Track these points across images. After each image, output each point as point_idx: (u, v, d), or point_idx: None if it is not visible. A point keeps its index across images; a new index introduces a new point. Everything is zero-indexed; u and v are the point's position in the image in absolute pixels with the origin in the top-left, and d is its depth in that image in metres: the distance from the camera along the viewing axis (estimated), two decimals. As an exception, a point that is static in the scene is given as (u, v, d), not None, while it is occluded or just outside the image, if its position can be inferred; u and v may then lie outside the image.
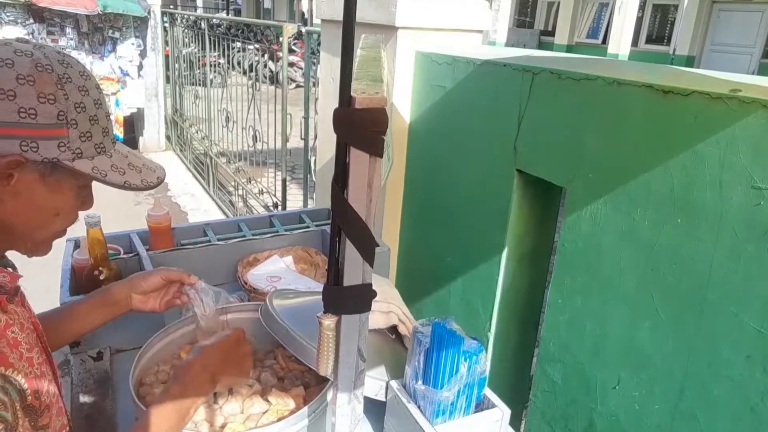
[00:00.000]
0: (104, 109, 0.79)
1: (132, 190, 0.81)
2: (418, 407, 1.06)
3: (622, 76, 1.20)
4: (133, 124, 6.96)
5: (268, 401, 1.05)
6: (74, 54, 5.97)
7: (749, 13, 14.77)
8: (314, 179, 2.92)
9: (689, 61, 15.69)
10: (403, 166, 2.04)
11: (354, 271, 0.77)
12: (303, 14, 22.92)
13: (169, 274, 1.12)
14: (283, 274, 1.58)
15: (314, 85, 3.08)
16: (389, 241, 2.05)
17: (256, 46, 4.21)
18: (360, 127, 0.69)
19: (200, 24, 5.25)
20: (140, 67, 6.42)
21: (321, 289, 0.81)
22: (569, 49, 17.95)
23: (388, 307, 1.26)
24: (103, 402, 1.19)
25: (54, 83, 0.71)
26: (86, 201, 0.83)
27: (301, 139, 3.23)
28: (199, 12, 15.67)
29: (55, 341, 1.03)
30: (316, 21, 2.47)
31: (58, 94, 0.72)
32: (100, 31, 6.08)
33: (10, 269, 0.81)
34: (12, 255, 0.82)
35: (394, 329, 1.29)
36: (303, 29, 3.26)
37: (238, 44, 4.68)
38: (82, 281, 1.37)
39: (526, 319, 1.75)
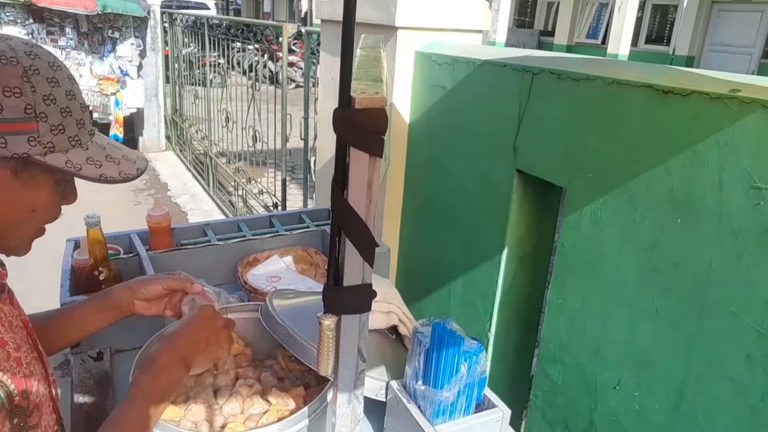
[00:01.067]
0: (78, 100, 0.76)
1: (109, 182, 0.78)
2: (418, 407, 1.06)
3: (622, 76, 1.20)
4: (132, 125, 6.96)
5: (268, 401, 1.04)
6: (74, 54, 5.98)
7: (749, 13, 14.78)
8: (314, 179, 2.92)
9: (689, 61, 15.70)
10: (403, 166, 2.04)
11: (354, 271, 0.77)
12: (303, 14, 22.91)
13: (170, 283, 1.09)
14: (283, 274, 1.58)
15: (314, 85, 3.08)
16: (389, 241, 2.04)
17: (256, 46, 4.21)
18: (360, 127, 0.69)
19: (200, 24, 5.25)
20: (140, 67, 6.42)
21: (321, 289, 0.81)
22: (569, 49, 17.96)
23: (388, 307, 1.26)
24: (103, 402, 1.19)
25: (20, 76, 0.69)
26: (67, 195, 0.81)
27: (301, 139, 3.23)
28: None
29: (55, 344, 1.02)
30: (316, 21, 2.47)
31: (24, 87, 0.69)
32: (100, 31, 6.08)
33: None
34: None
35: (394, 329, 1.29)
36: (303, 29, 3.26)
37: (238, 44, 4.69)
38: (81, 281, 1.37)
39: (526, 319, 1.75)
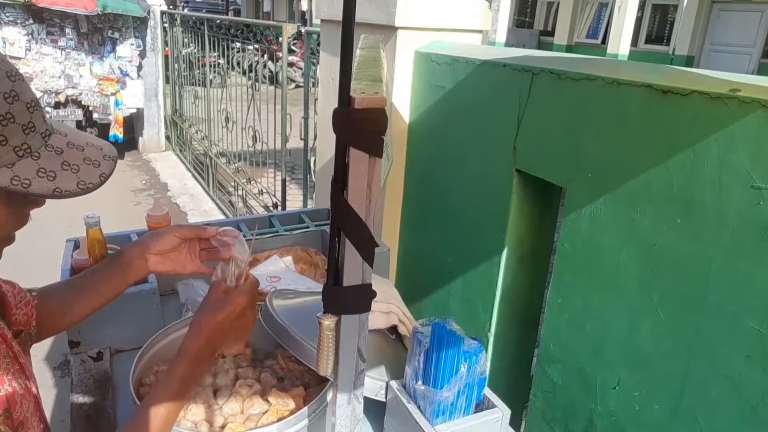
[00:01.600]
0: (23, 99, 0.66)
1: (65, 197, 0.68)
2: (418, 407, 1.06)
3: (622, 76, 1.20)
4: (132, 125, 6.96)
5: (268, 401, 1.05)
6: (74, 54, 5.98)
7: (749, 13, 14.78)
8: (314, 179, 2.92)
9: (689, 61, 15.70)
10: (402, 166, 2.04)
11: (354, 271, 0.77)
12: (303, 14, 22.91)
13: (182, 231, 1.01)
14: (282, 274, 1.58)
15: (314, 85, 3.08)
16: (389, 241, 2.04)
17: (256, 46, 4.21)
18: (359, 127, 0.69)
19: (200, 24, 5.25)
20: (140, 67, 6.42)
21: (321, 289, 0.81)
22: (569, 49, 17.96)
23: (388, 307, 1.26)
24: (103, 402, 1.19)
25: None
26: (34, 201, 0.73)
27: (301, 139, 3.23)
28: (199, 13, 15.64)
29: (69, 320, 0.99)
30: (316, 21, 2.47)
31: None
32: (100, 31, 6.08)
33: None
34: (11, 253, 0.79)
35: (394, 329, 1.29)
36: (302, 29, 3.26)
37: (238, 44, 4.69)
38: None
39: (526, 319, 1.75)
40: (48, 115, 0.73)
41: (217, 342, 0.86)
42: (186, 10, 11.53)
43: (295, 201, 4.24)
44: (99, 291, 1.00)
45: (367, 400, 0.99)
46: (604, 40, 17.13)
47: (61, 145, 0.71)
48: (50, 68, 5.85)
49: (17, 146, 0.65)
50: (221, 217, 4.82)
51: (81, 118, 6.24)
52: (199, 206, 5.24)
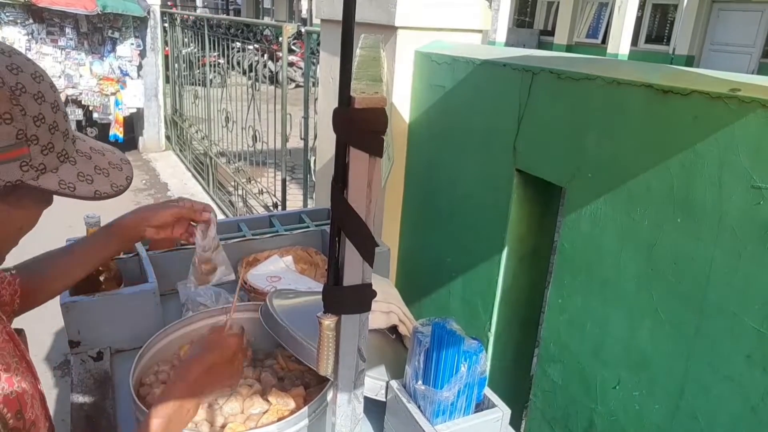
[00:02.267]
0: (62, 109, 0.72)
1: (102, 198, 0.74)
2: (418, 407, 1.06)
3: (622, 76, 1.20)
4: (132, 125, 6.96)
5: (268, 401, 1.05)
6: (74, 54, 5.98)
7: (749, 13, 14.77)
8: (314, 179, 2.92)
9: (689, 61, 15.70)
10: (403, 166, 2.04)
11: (354, 271, 0.77)
12: (302, 13, 22.91)
13: (180, 211, 1.11)
14: (283, 274, 1.58)
15: (314, 85, 3.07)
16: (389, 241, 2.04)
17: (256, 46, 4.21)
18: (359, 127, 0.69)
19: (200, 24, 5.25)
20: (140, 67, 6.42)
21: (321, 289, 0.81)
22: (569, 48, 17.96)
23: (388, 307, 1.26)
24: (103, 402, 1.19)
25: (8, 99, 0.64)
26: (44, 201, 0.76)
27: (301, 139, 3.23)
28: (199, 12, 15.67)
29: (51, 293, 1.03)
30: (316, 21, 2.47)
31: (14, 111, 0.64)
32: (100, 31, 6.08)
33: None
34: (14, 253, 0.80)
35: (394, 329, 1.29)
36: (303, 29, 3.26)
37: (238, 44, 4.68)
38: (81, 281, 1.36)
39: (526, 319, 1.75)
40: None
41: (203, 385, 0.86)
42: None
43: (295, 201, 4.24)
44: (85, 262, 1.07)
45: (367, 399, 0.99)
46: (604, 40, 17.12)
47: (87, 149, 0.76)
48: (50, 68, 5.85)
49: (60, 152, 0.71)
50: (221, 216, 4.82)
51: (81, 117, 6.24)
52: (199, 206, 5.24)
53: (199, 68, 5.55)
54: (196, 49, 5.61)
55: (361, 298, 0.80)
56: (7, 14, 5.63)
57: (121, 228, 1.09)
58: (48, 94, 0.69)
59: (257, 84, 4.12)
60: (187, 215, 1.12)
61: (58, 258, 1.06)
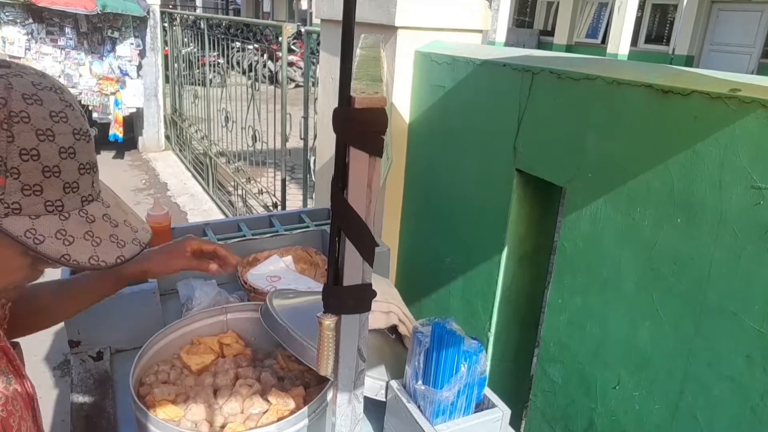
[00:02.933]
0: (78, 159, 0.64)
1: (70, 266, 0.65)
2: (418, 407, 1.06)
3: (622, 76, 1.20)
4: (132, 124, 6.96)
5: (268, 401, 1.05)
6: (73, 54, 5.98)
7: (749, 13, 14.78)
8: (314, 179, 2.92)
9: (688, 61, 15.70)
10: (403, 166, 2.04)
11: (354, 271, 0.77)
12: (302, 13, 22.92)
13: (188, 264, 1.07)
14: (282, 274, 1.58)
15: (314, 84, 3.07)
16: (389, 241, 2.04)
17: (256, 45, 4.21)
18: (359, 127, 0.69)
19: (199, 24, 5.25)
20: (139, 66, 6.41)
21: (321, 289, 0.81)
22: (569, 48, 17.97)
23: (388, 307, 1.26)
24: (103, 402, 1.19)
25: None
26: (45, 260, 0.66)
27: (301, 139, 3.23)
28: (199, 12, 15.69)
29: (51, 321, 1.01)
30: (316, 21, 2.47)
31: None
32: (100, 31, 6.08)
33: None
34: None
35: (394, 329, 1.29)
36: (302, 29, 3.26)
37: (238, 44, 4.68)
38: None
39: (526, 319, 1.75)
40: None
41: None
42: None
43: (295, 201, 4.24)
44: (82, 301, 1.03)
45: (367, 399, 0.99)
46: (604, 40, 17.12)
47: (96, 214, 0.69)
48: (50, 68, 5.85)
49: (49, 201, 0.63)
50: (221, 216, 4.82)
51: (81, 117, 6.22)
52: (198, 206, 5.24)
53: (198, 68, 5.55)
54: (195, 49, 5.61)
55: (361, 298, 0.80)
56: (6, 14, 5.62)
57: (125, 273, 1.02)
58: (63, 138, 0.62)
59: (257, 84, 4.12)
60: (196, 267, 1.08)
61: (55, 294, 1.01)
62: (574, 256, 1.37)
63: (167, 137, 7.04)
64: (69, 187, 0.64)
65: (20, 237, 0.61)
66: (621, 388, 1.28)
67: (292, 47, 5.87)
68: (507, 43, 17.05)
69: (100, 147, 6.39)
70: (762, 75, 1.12)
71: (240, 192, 4.77)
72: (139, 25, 6.29)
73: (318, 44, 2.71)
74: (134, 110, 6.57)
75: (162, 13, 6.44)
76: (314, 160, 2.92)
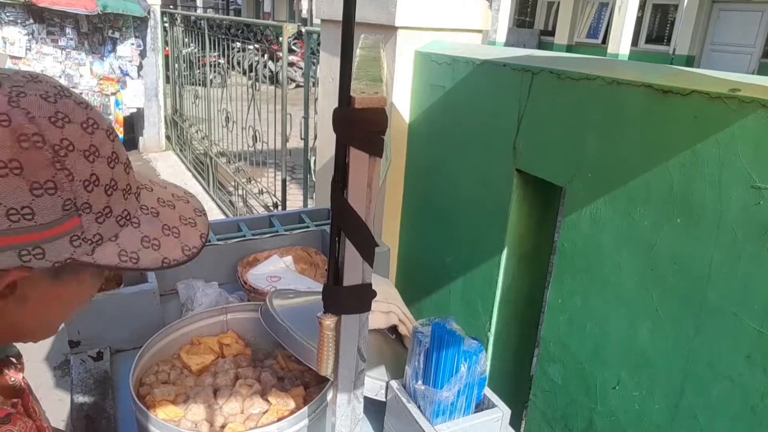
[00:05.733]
0: (121, 160, 0.57)
1: (171, 267, 0.61)
2: (418, 407, 1.06)
3: (622, 76, 1.20)
4: (133, 124, 6.97)
5: (268, 401, 1.05)
6: (74, 54, 5.98)
7: (749, 13, 14.78)
8: (314, 179, 2.92)
9: (689, 61, 15.71)
10: (403, 166, 2.04)
11: (354, 271, 0.77)
12: (302, 13, 22.93)
13: None
14: (282, 274, 1.58)
15: (314, 85, 3.08)
16: (389, 241, 2.04)
17: (256, 46, 4.21)
18: (359, 127, 0.69)
19: (200, 24, 5.25)
20: (140, 67, 6.42)
21: (321, 289, 0.81)
22: (569, 48, 17.98)
23: (388, 307, 1.26)
24: (103, 402, 1.19)
25: (50, 164, 0.50)
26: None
27: (301, 139, 3.23)
28: (199, 12, 15.69)
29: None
30: (316, 21, 2.47)
31: (57, 177, 0.50)
32: (100, 31, 6.08)
33: (13, 359, 0.65)
34: None
35: (394, 329, 1.29)
36: (303, 29, 3.26)
37: (238, 44, 4.69)
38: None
39: (526, 319, 1.75)
40: None
41: None
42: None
43: (295, 201, 4.24)
44: None
45: (367, 399, 0.99)
46: (605, 40, 17.13)
47: (154, 203, 0.63)
48: (50, 68, 5.86)
49: (119, 215, 0.57)
50: (221, 216, 4.82)
51: (81, 117, 6.23)
52: (199, 206, 5.24)
53: (199, 68, 5.55)
54: (196, 49, 5.62)
55: (361, 298, 0.80)
56: (7, 14, 5.63)
57: None
58: (104, 146, 0.55)
59: (257, 84, 4.12)
60: None
61: None
62: (574, 256, 1.37)
63: (168, 137, 7.04)
64: (126, 192, 0.59)
65: (119, 264, 0.56)
66: (621, 388, 1.28)
67: (293, 47, 5.88)
68: (507, 43, 17.06)
69: (101, 147, 6.38)
70: (762, 75, 1.12)
71: (240, 192, 4.77)
72: (139, 25, 6.30)
73: (318, 44, 2.71)
74: (135, 110, 6.58)
75: (162, 13, 6.44)
76: (314, 160, 2.92)
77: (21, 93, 0.50)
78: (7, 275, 0.51)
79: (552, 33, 19.44)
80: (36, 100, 0.51)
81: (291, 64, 5.91)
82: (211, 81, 5.21)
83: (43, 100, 0.51)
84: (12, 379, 0.63)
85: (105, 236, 0.56)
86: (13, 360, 0.64)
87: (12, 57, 5.69)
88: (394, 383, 1.11)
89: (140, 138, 6.99)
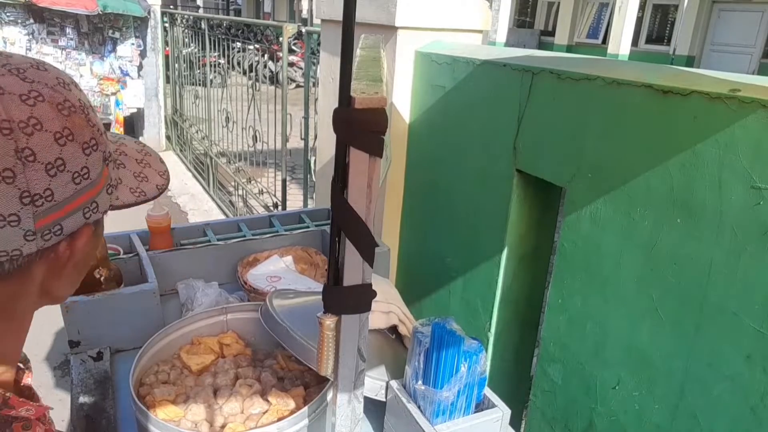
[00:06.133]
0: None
1: (163, 192, 0.66)
2: (418, 407, 1.06)
3: (622, 76, 1.20)
4: (133, 125, 6.97)
5: (268, 401, 1.05)
6: (74, 54, 5.99)
7: (749, 13, 14.78)
8: (314, 179, 2.92)
9: (689, 61, 15.71)
10: (403, 166, 2.04)
11: (354, 271, 0.77)
12: (302, 13, 22.93)
13: None
14: (283, 274, 1.58)
15: (314, 85, 3.08)
16: (389, 241, 2.05)
17: (256, 46, 4.21)
18: (359, 127, 0.69)
19: (200, 24, 5.25)
20: (140, 67, 6.42)
21: (321, 289, 0.81)
22: (569, 49, 17.98)
23: (388, 307, 1.26)
24: (103, 402, 1.19)
25: (85, 123, 0.53)
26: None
27: (301, 139, 3.23)
28: (200, 12, 15.69)
29: None
30: (316, 21, 2.47)
31: (94, 133, 0.54)
32: (100, 31, 6.09)
33: (20, 364, 0.64)
34: None
35: (394, 329, 1.29)
36: (303, 29, 3.26)
37: (238, 44, 4.69)
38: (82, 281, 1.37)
39: (526, 319, 1.75)
40: None
41: None
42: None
43: (295, 201, 4.24)
44: None
45: (367, 400, 0.99)
46: (605, 40, 17.13)
47: (113, 139, 0.65)
48: (51, 68, 5.86)
49: (115, 159, 0.61)
50: (221, 216, 4.82)
51: (81, 117, 6.23)
52: (199, 206, 5.25)
53: (199, 68, 5.55)
54: (196, 49, 5.62)
55: (361, 298, 0.80)
56: (7, 14, 5.63)
57: None
58: (82, 94, 0.57)
59: (257, 84, 4.12)
60: None
61: None
62: (574, 256, 1.37)
63: (168, 137, 7.04)
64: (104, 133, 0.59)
65: (137, 200, 0.61)
66: (621, 388, 1.28)
67: (293, 47, 5.88)
68: (507, 44, 17.06)
69: (101, 147, 6.38)
70: (762, 75, 1.12)
71: (240, 192, 4.77)
72: (139, 25, 6.30)
73: (318, 44, 2.71)
74: (135, 110, 6.58)
75: (163, 13, 6.44)
76: (314, 161, 2.92)
77: (21, 70, 0.51)
78: (81, 235, 0.54)
79: (552, 33, 19.44)
80: (38, 72, 0.52)
81: (291, 64, 5.91)
82: (211, 81, 5.21)
83: (40, 71, 0.52)
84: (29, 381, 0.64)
85: (116, 179, 0.60)
86: (20, 365, 0.65)
87: (12, 57, 5.68)
88: (394, 383, 1.11)
89: (140, 138, 6.98)
